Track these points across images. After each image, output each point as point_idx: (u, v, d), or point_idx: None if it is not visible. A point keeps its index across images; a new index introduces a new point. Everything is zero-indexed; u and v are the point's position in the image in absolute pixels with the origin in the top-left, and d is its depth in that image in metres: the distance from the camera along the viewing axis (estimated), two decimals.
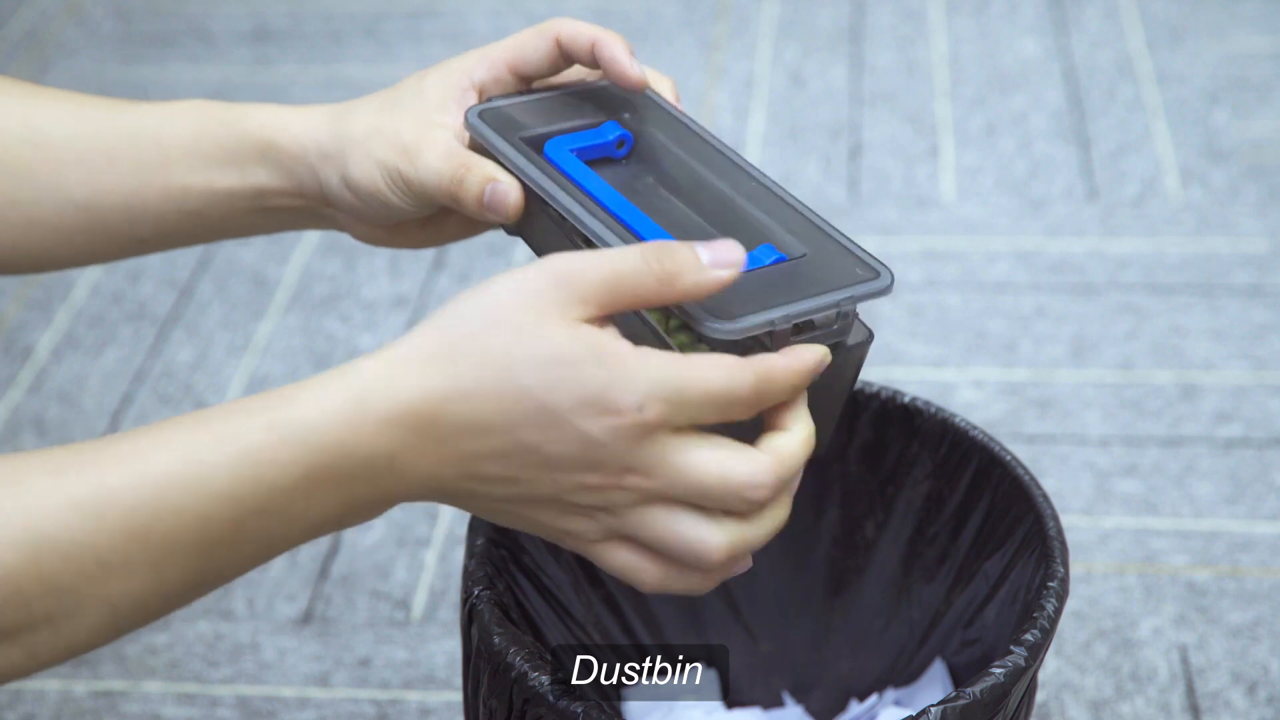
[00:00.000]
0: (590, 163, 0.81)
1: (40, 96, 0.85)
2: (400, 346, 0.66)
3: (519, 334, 0.65)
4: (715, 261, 0.67)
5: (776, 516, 0.69)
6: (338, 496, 0.66)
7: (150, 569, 0.64)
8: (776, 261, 0.73)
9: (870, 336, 0.76)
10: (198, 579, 0.66)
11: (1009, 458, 0.91)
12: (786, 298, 0.70)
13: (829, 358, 0.69)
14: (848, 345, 0.75)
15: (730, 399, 0.66)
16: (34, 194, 0.83)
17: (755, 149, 1.72)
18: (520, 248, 1.60)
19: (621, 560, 0.69)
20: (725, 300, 0.69)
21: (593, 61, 0.81)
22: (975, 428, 0.92)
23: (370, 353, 0.67)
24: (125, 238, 0.85)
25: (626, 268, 0.66)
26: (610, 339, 0.65)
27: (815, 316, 0.71)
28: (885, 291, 0.72)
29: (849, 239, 0.75)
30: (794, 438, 0.69)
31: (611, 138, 0.80)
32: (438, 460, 0.66)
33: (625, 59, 0.80)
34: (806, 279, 0.72)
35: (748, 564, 0.70)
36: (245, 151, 0.83)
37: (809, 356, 0.68)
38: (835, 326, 0.72)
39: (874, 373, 1.42)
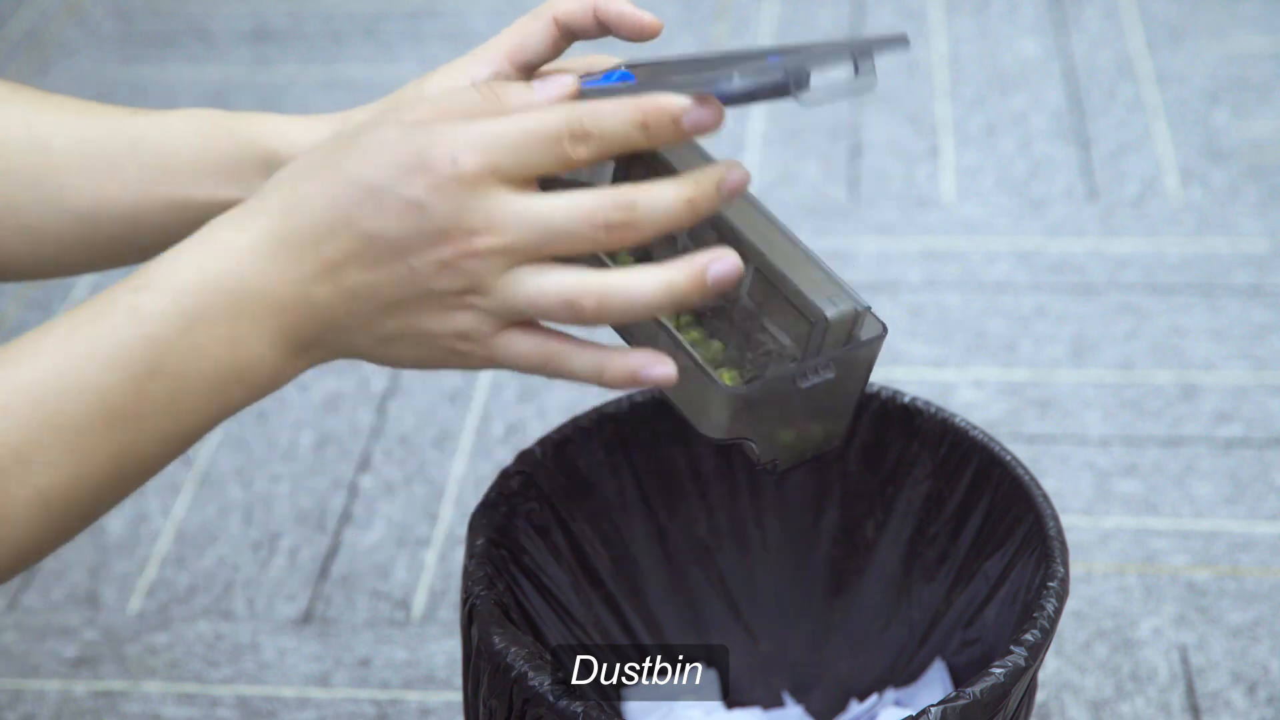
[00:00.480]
0: None
1: (43, 103, 0.85)
2: (258, 193, 0.69)
3: (350, 137, 0.67)
4: (541, 89, 0.70)
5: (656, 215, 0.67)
6: (223, 339, 0.67)
7: (68, 454, 0.65)
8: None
9: (884, 331, 0.76)
10: (118, 462, 0.67)
11: (1009, 458, 0.91)
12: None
13: (675, 108, 0.68)
14: (861, 340, 0.76)
15: (546, 132, 0.65)
16: (36, 202, 0.83)
17: (755, 149, 1.72)
18: None
19: (526, 348, 0.69)
20: None
21: (598, 29, 0.78)
22: (975, 428, 0.92)
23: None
24: (126, 247, 0.86)
25: (467, 99, 0.68)
26: (427, 110, 0.67)
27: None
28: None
29: None
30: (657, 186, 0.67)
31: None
32: (302, 277, 0.67)
33: (631, 8, 0.77)
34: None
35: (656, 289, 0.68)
36: (248, 164, 0.83)
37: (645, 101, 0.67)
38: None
39: (874, 373, 1.42)
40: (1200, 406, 1.39)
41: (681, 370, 0.74)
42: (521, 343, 0.69)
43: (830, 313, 0.76)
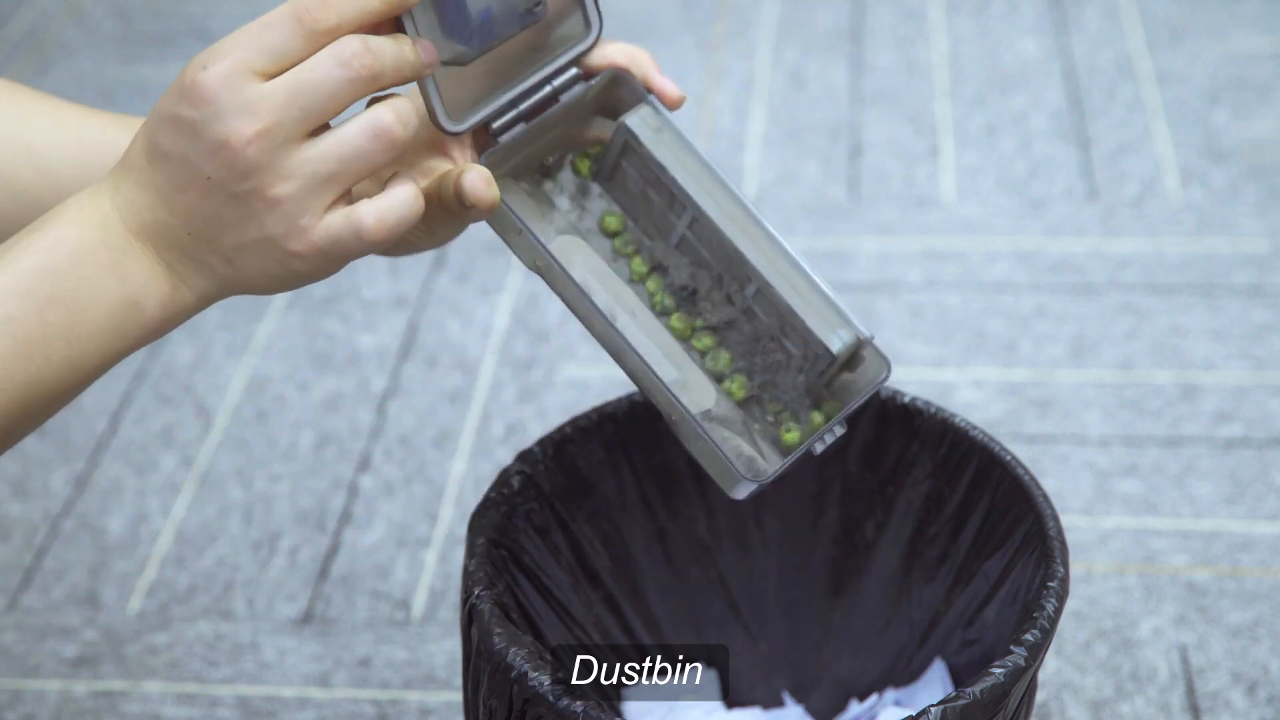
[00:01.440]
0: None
1: (38, 116, 0.88)
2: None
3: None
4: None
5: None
6: (107, 266, 0.72)
7: None
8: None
9: (888, 372, 0.83)
10: (28, 392, 0.72)
11: (1009, 458, 0.91)
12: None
13: None
14: (868, 382, 0.83)
15: (278, 16, 0.70)
16: (34, 216, 0.85)
17: (755, 149, 1.72)
18: None
19: (345, 219, 0.72)
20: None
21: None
22: (975, 428, 0.92)
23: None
24: None
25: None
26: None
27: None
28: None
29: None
30: None
31: None
32: (148, 204, 0.72)
33: (659, 79, 0.83)
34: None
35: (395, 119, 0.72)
36: None
37: None
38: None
39: None
40: (1200, 406, 1.39)
41: (707, 450, 0.80)
42: (338, 218, 0.73)
43: (835, 347, 0.81)
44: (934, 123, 1.75)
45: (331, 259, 0.73)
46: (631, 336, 0.80)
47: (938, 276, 1.54)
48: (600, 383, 1.43)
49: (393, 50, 0.71)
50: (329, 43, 0.70)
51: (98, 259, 0.72)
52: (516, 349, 1.48)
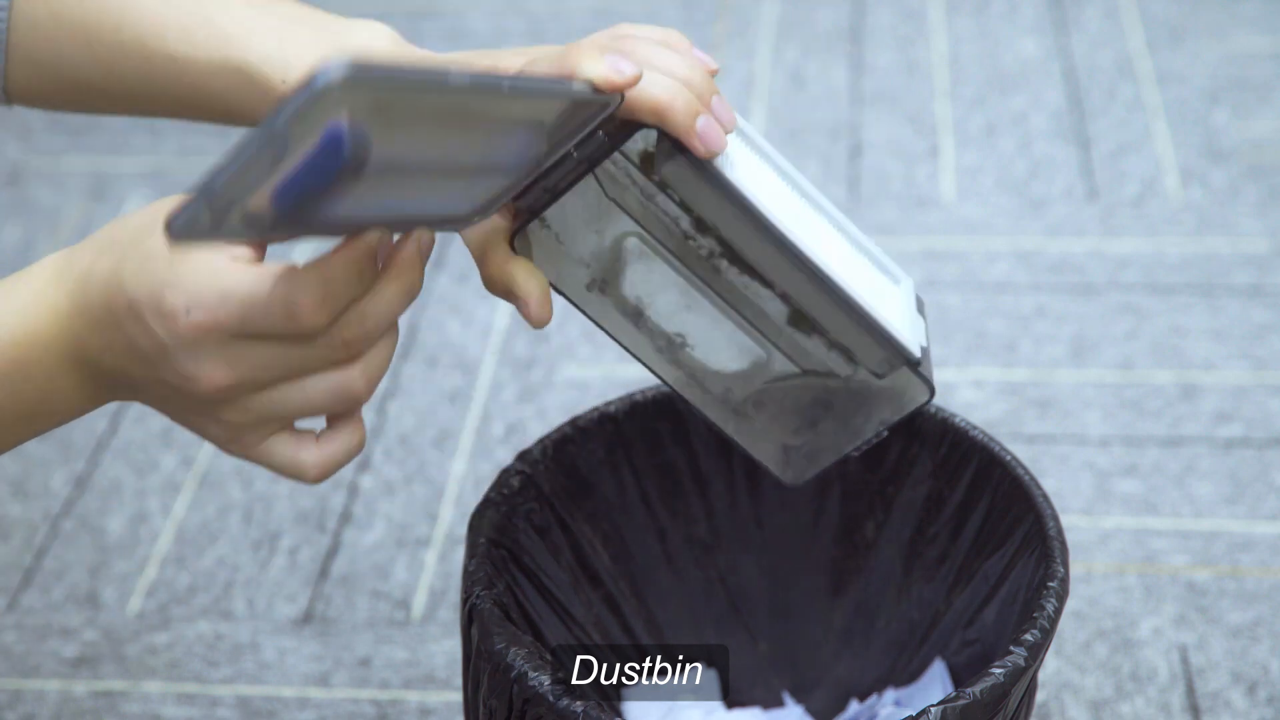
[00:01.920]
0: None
1: None
2: (70, 250, 0.72)
3: (145, 225, 0.70)
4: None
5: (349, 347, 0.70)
6: (38, 385, 0.72)
7: None
8: None
9: (931, 395, 0.82)
10: None
11: (1009, 458, 0.91)
12: None
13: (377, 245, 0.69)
14: (913, 404, 0.83)
15: (254, 305, 0.68)
16: (112, 41, 0.87)
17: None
18: None
19: (289, 453, 0.72)
20: None
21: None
22: (975, 428, 0.92)
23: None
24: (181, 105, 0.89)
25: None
26: (192, 249, 0.69)
27: None
28: None
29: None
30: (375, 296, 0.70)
31: None
32: (97, 345, 0.71)
33: (695, 136, 0.74)
34: None
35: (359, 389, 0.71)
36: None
37: (361, 245, 0.69)
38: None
39: None
40: (1200, 406, 1.39)
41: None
42: (280, 446, 0.72)
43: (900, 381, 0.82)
44: (934, 123, 1.75)
45: (258, 463, 0.73)
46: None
47: (938, 276, 1.54)
48: (600, 383, 1.43)
49: (374, 378, 0.71)
50: (317, 338, 0.69)
51: (30, 380, 0.72)
52: (516, 349, 1.48)
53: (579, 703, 0.76)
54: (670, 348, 0.81)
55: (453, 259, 1.58)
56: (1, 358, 0.71)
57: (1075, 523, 1.28)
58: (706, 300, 0.80)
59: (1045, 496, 0.88)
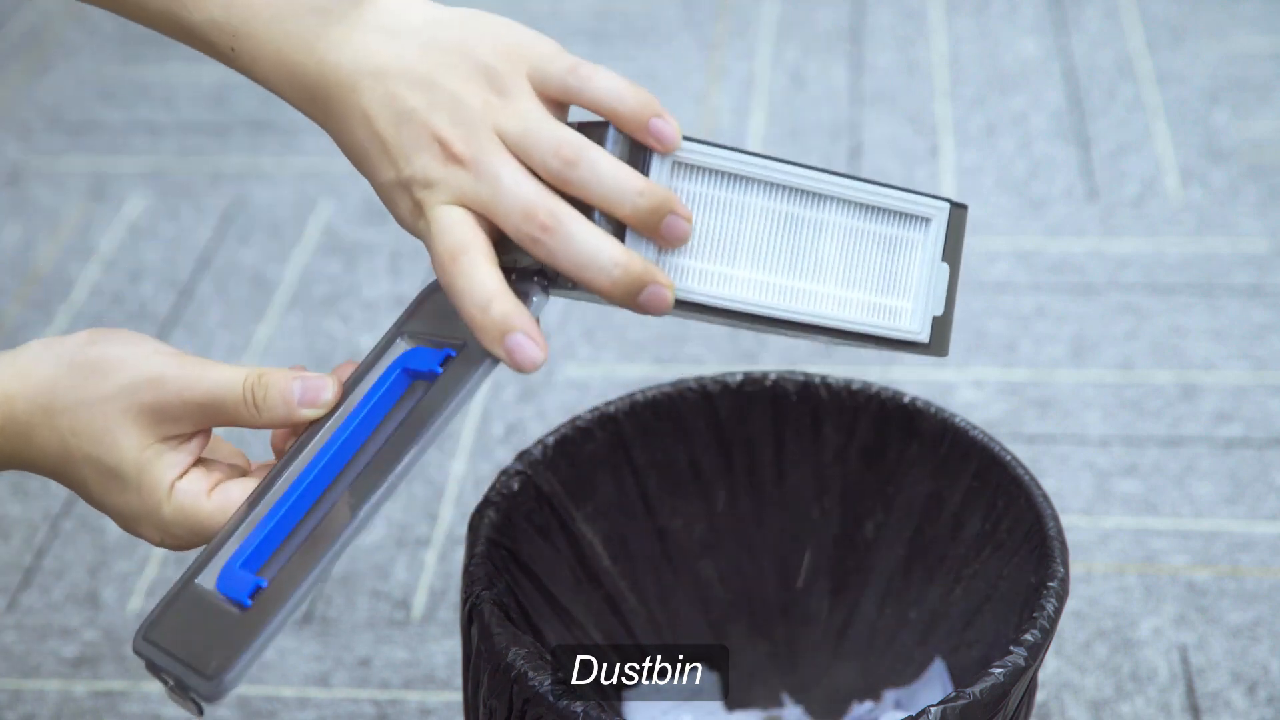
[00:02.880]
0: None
1: None
2: (34, 365, 0.75)
3: (106, 425, 0.74)
4: (303, 400, 0.76)
5: None
6: None
7: None
8: None
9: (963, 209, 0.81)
10: None
11: (1009, 458, 0.91)
12: None
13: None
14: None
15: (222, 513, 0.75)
16: None
17: (756, 148, 1.72)
18: None
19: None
20: None
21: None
22: (975, 428, 0.92)
23: (10, 357, 0.76)
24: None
25: (226, 396, 0.75)
26: (162, 474, 0.74)
27: None
28: None
29: None
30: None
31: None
32: (48, 457, 0.76)
33: (649, 134, 0.76)
34: None
35: None
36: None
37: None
38: None
39: (874, 373, 1.42)
40: (1200, 406, 1.39)
41: None
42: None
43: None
44: (934, 123, 1.75)
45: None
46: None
47: None
48: (600, 383, 1.43)
49: None
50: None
51: None
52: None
53: (579, 703, 0.76)
54: None
55: None
56: None
57: (1075, 523, 1.28)
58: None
59: (1045, 496, 0.88)
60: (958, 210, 0.81)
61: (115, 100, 1.83)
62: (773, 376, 0.96)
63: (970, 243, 1.58)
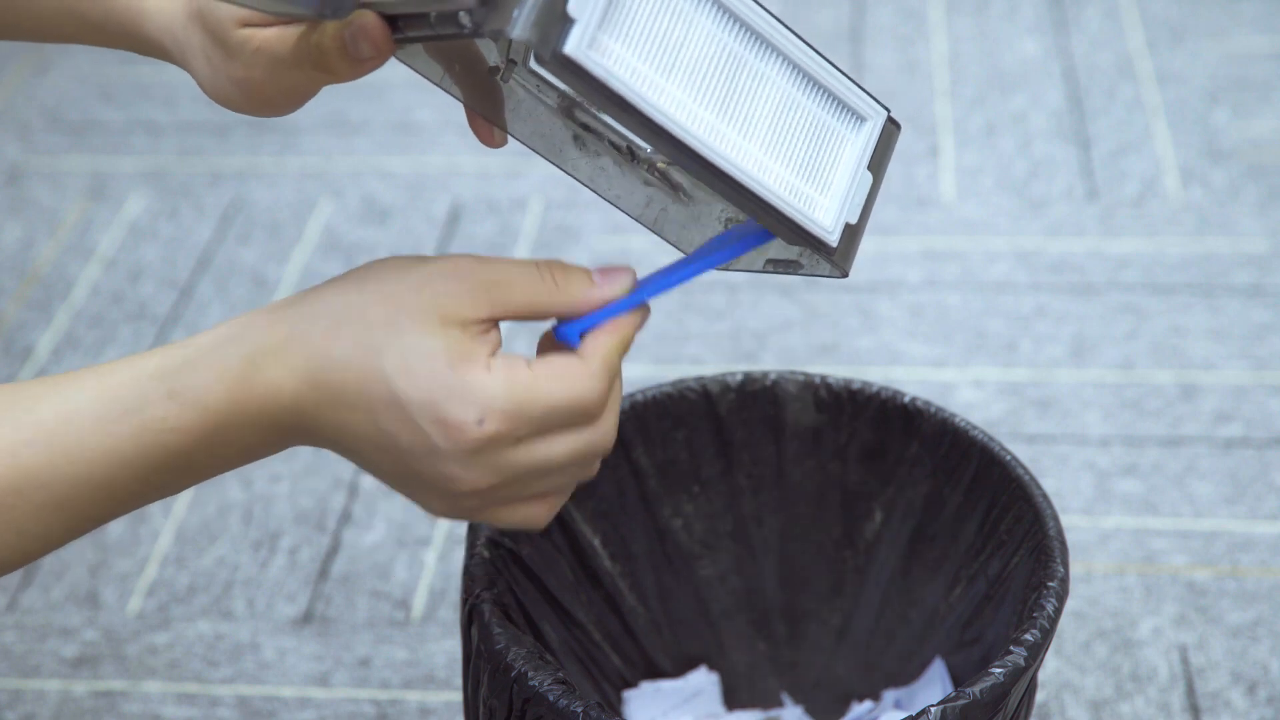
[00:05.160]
0: None
1: None
2: (295, 306, 0.70)
3: (399, 317, 0.68)
4: (603, 280, 0.71)
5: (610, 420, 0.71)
6: (237, 449, 0.70)
7: (65, 530, 0.70)
8: None
9: (843, 275, 0.77)
10: (105, 521, 0.71)
11: (1009, 458, 0.91)
12: None
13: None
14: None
15: (575, 407, 0.69)
16: None
17: None
18: (520, 247, 1.60)
19: (507, 518, 0.72)
20: None
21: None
22: (975, 428, 0.92)
23: (265, 309, 0.70)
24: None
25: (520, 272, 0.69)
26: (476, 348, 0.68)
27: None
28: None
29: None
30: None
31: None
32: (317, 423, 0.69)
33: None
34: None
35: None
36: (112, 31, 0.83)
37: (625, 326, 0.71)
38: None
39: (874, 373, 1.42)
40: (1200, 406, 1.39)
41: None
42: (511, 513, 0.72)
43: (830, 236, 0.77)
44: (934, 123, 1.75)
45: (477, 521, 0.73)
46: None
47: (938, 276, 1.54)
48: None
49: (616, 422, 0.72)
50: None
51: (231, 446, 0.70)
52: (517, 349, 1.47)
53: (579, 703, 0.76)
54: (583, 133, 0.78)
55: None
56: (204, 426, 0.69)
57: (1075, 523, 1.28)
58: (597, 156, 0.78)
59: (1045, 496, 0.88)
60: (891, 125, 0.77)
61: (115, 100, 1.83)
62: (773, 376, 0.96)
63: (970, 243, 1.58)
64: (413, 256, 0.70)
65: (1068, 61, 1.83)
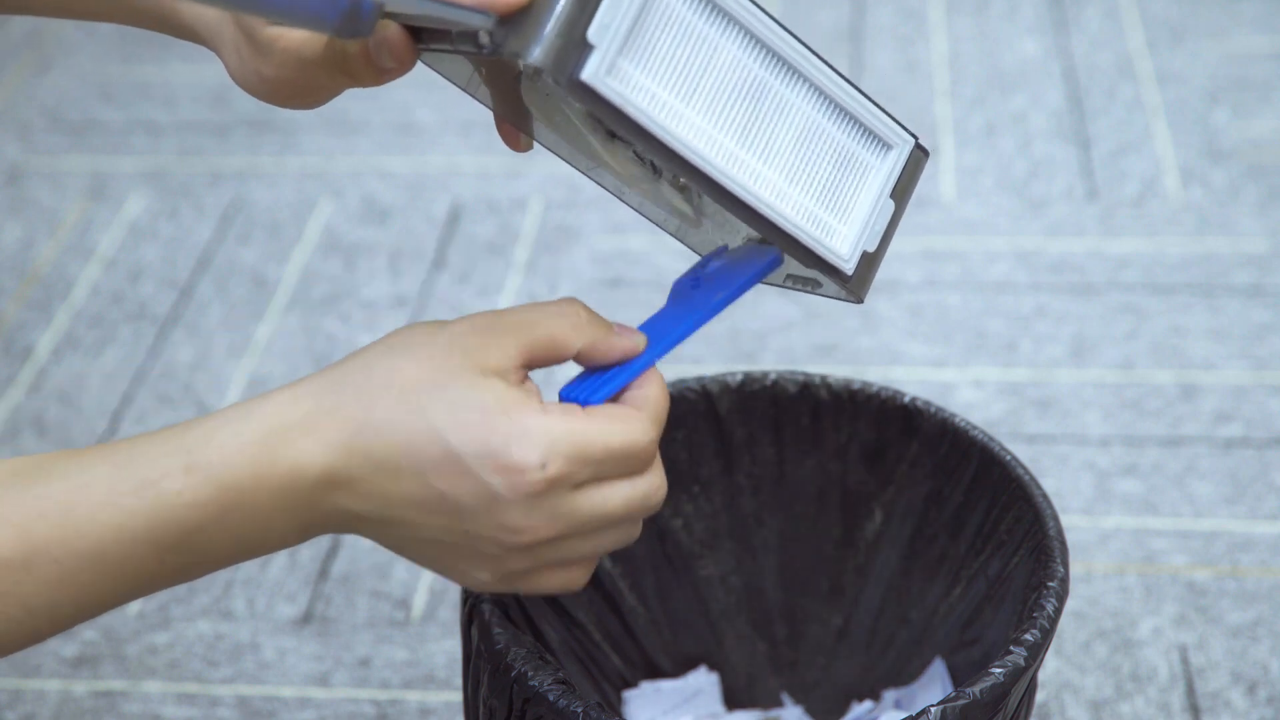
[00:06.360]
0: None
1: None
2: (319, 380, 0.68)
3: (437, 375, 0.66)
4: (623, 335, 0.71)
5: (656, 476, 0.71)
6: (257, 527, 0.67)
7: (75, 609, 0.67)
8: None
9: (858, 301, 0.77)
10: (116, 603, 0.68)
11: (1009, 458, 0.91)
12: None
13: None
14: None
15: (631, 453, 0.68)
16: None
17: None
18: (520, 247, 1.60)
19: (549, 583, 0.71)
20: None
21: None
22: (975, 428, 0.92)
23: (287, 386, 0.68)
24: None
25: (547, 316, 0.69)
26: (523, 395, 0.67)
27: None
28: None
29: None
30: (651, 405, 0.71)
31: None
32: (354, 497, 0.67)
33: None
34: None
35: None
36: (144, 9, 0.83)
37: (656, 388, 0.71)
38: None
39: (874, 373, 1.42)
40: (1200, 406, 1.39)
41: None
42: (548, 579, 0.71)
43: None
44: (934, 123, 1.75)
45: (520, 592, 0.71)
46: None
47: (938, 276, 1.54)
48: None
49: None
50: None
51: (250, 522, 0.67)
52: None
53: (579, 702, 0.76)
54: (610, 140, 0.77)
55: (453, 259, 1.58)
56: (222, 500, 0.66)
57: (1075, 523, 1.28)
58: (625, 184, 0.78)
59: (1045, 496, 0.88)
60: (919, 152, 0.77)
61: (115, 100, 1.83)
62: (773, 376, 0.96)
63: (970, 243, 1.58)
64: (434, 321, 0.69)
65: (1068, 61, 1.83)
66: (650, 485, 0.69)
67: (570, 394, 0.72)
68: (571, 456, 0.66)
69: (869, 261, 0.76)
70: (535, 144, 0.80)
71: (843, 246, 0.75)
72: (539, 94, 0.75)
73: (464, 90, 0.80)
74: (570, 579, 0.71)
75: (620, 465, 0.68)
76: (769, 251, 0.76)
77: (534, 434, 0.66)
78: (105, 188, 1.70)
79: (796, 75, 0.73)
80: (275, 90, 0.78)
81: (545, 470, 0.66)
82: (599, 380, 0.72)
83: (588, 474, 0.67)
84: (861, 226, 0.76)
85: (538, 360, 0.69)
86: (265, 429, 0.67)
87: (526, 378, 0.69)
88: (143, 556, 0.66)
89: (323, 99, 0.80)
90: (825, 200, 0.75)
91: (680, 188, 0.78)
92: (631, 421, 0.68)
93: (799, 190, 0.74)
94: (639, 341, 0.72)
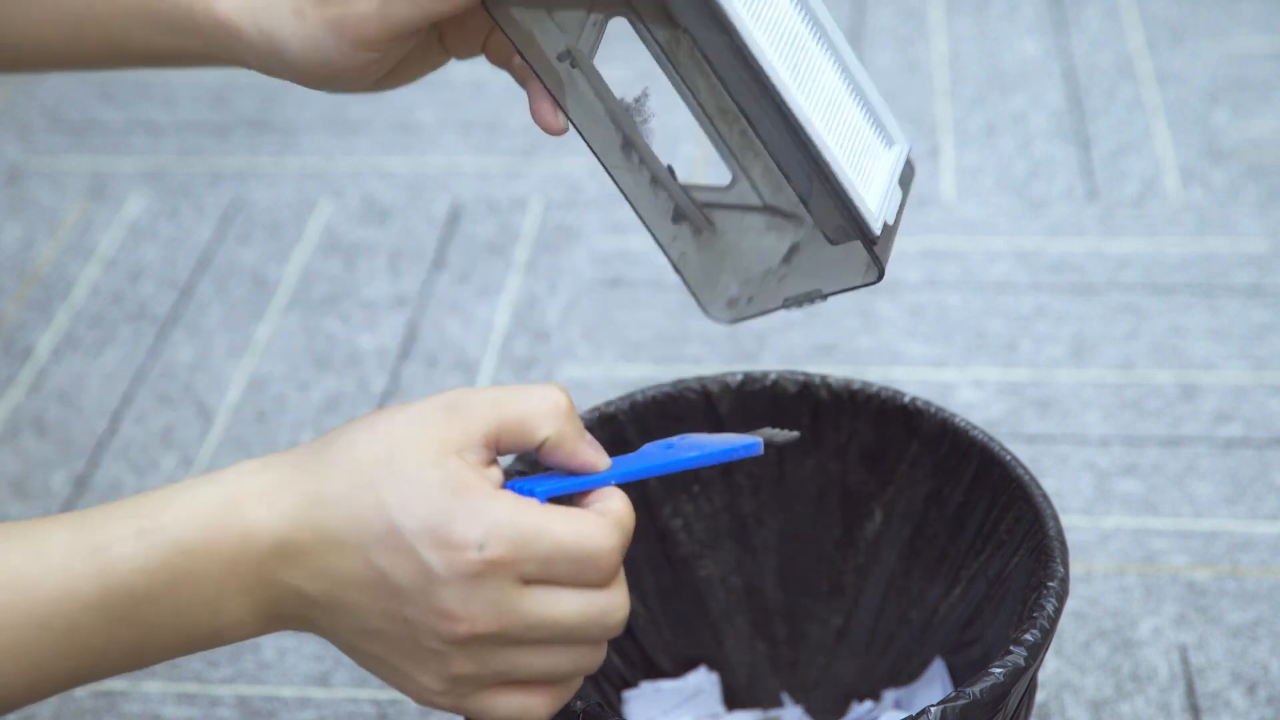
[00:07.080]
0: None
1: None
2: (289, 453, 0.67)
3: (394, 451, 0.65)
4: (591, 445, 0.68)
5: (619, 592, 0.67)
6: (208, 603, 0.66)
7: (26, 686, 0.65)
8: None
9: (879, 276, 0.76)
10: (67, 682, 0.66)
11: (1009, 458, 0.91)
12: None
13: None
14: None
15: (585, 556, 0.65)
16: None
17: None
18: (520, 247, 1.60)
19: (503, 706, 0.68)
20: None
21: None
22: (975, 428, 0.92)
23: (258, 457, 0.67)
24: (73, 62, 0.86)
25: (517, 396, 0.67)
26: (476, 477, 0.65)
27: None
28: None
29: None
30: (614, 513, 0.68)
31: None
32: (302, 572, 0.66)
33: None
34: None
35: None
36: (180, 25, 0.82)
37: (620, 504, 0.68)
38: None
39: (874, 373, 1.42)
40: (1200, 406, 1.39)
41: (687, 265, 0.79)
42: (506, 701, 0.68)
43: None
44: (934, 123, 1.75)
45: (469, 715, 0.68)
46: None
47: (938, 276, 1.54)
48: (600, 383, 1.43)
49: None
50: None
51: (200, 594, 0.65)
52: (516, 349, 1.47)
53: (579, 702, 0.76)
54: (630, 143, 0.77)
55: (452, 259, 1.58)
56: (172, 566, 0.65)
57: (1075, 523, 1.28)
58: (682, 99, 0.77)
59: (1045, 496, 0.88)
60: (909, 167, 0.78)
61: (115, 100, 1.83)
62: (773, 376, 0.96)
63: (970, 242, 1.58)
64: (411, 401, 0.68)
65: (1068, 61, 1.83)
66: (610, 601, 0.66)
67: (515, 484, 0.68)
68: (516, 542, 0.64)
69: (887, 235, 0.75)
70: (537, 143, 0.80)
71: (872, 205, 0.74)
72: (577, 77, 0.75)
73: (519, 52, 0.77)
74: (527, 706, 0.67)
75: (573, 569, 0.65)
76: (748, 440, 0.74)
77: (479, 514, 0.64)
78: (105, 188, 1.70)
79: (830, 47, 0.74)
80: (341, 35, 0.77)
81: (483, 551, 0.63)
82: (549, 476, 0.69)
83: (533, 569, 0.64)
84: (882, 196, 0.75)
85: (506, 442, 0.67)
86: (223, 496, 0.66)
87: (493, 461, 0.67)
88: (91, 625, 0.64)
89: (385, 58, 0.79)
90: (852, 161, 0.74)
91: (687, 199, 0.78)
92: (589, 524, 0.65)
93: (837, 142, 0.73)
94: (603, 460, 0.69)
